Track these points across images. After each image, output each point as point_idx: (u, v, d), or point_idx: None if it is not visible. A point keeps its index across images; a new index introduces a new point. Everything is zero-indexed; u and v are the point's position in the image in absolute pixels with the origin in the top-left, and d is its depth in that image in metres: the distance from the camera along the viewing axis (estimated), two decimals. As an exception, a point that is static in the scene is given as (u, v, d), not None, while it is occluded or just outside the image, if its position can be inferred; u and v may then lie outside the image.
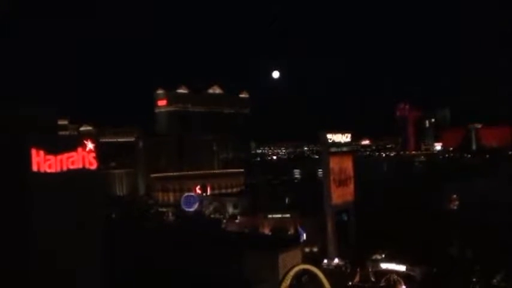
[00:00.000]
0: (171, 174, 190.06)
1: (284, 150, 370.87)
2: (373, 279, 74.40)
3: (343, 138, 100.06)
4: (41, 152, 40.66)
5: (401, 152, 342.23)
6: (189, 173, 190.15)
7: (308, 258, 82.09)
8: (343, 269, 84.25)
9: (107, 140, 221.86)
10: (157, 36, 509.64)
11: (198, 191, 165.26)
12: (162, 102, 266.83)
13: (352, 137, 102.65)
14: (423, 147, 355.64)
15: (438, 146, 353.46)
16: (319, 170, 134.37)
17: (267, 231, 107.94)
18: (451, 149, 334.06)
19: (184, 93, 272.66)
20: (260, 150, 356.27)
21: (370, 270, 76.94)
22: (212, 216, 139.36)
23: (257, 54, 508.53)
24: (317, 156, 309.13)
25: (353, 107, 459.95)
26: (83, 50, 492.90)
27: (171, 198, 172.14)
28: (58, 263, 40.29)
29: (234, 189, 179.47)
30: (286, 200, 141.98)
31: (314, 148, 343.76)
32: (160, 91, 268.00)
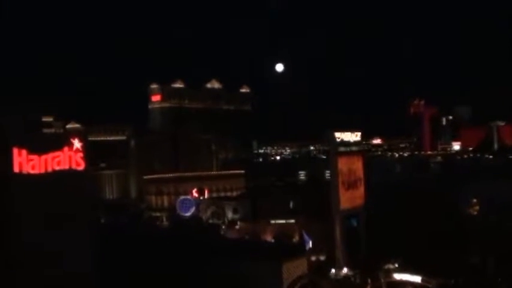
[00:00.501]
0: (166, 175, 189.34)
1: (288, 150, 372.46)
2: (385, 291, 74.84)
3: (353, 137, 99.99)
4: (24, 152, 40.34)
5: (416, 152, 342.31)
6: (185, 174, 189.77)
7: (314, 268, 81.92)
8: (353, 279, 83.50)
9: (95, 138, 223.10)
10: (151, 27, 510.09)
11: (195, 194, 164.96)
12: (156, 98, 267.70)
13: (362, 136, 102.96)
14: (440, 146, 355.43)
15: (456, 146, 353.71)
16: (327, 171, 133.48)
17: (269, 238, 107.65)
18: (471, 148, 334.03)
19: (180, 88, 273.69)
20: (262, 150, 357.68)
21: (382, 281, 76.56)
22: (210, 221, 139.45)
23: (260, 46, 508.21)
24: (324, 157, 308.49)
25: (363, 104, 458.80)
26: (69, 41, 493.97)
27: (166, 202, 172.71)
28: (44, 272, 40.48)
29: (234, 193, 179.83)
30: (291, 204, 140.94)
31: (321, 148, 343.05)
32: (154, 85, 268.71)
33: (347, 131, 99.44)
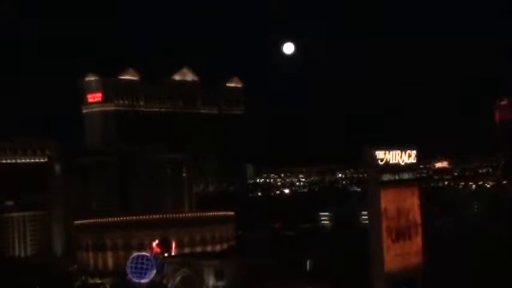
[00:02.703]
0: (110, 219, 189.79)
1: (303, 179, 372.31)
2: None
3: (404, 158, 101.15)
4: None
5: (505, 182, 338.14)
6: (141, 218, 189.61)
7: None
8: None
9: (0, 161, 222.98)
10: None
11: (156, 249, 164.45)
12: (94, 97, 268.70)
13: (419, 157, 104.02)
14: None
15: None
16: (363, 212, 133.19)
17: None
18: None
19: (132, 82, 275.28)
20: (262, 179, 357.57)
21: None
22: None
23: (257, 18, 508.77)
24: (359, 189, 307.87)
25: (419, 108, 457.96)
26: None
27: (110, 262, 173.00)
28: None
29: (218, 247, 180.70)
30: (308, 265, 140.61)
31: (354, 175, 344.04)
32: (91, 78, 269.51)
33: (395, 148, 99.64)
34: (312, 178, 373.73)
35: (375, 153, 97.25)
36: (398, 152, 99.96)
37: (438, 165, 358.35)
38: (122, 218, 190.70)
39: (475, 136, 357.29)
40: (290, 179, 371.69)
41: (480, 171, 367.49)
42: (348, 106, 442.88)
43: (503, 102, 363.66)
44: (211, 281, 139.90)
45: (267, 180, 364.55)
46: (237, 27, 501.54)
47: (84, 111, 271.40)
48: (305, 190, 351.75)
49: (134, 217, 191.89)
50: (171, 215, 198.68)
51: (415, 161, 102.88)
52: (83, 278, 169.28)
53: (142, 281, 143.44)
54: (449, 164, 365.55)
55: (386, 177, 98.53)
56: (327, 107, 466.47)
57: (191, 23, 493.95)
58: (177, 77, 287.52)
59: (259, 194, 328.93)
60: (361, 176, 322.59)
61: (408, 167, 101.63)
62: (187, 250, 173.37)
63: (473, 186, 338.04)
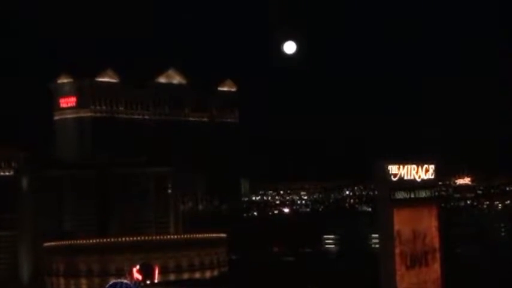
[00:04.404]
0: (84, 241, 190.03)
1: (305, 197, 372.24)
2: None
3: (421, 173, 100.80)
4: None
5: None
6: (120, 239, 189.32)
7: None
8: None
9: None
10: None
11: (137, 276, 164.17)
12: (67, 102, 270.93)
13: (438, 172, 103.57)
14: None
15: None
16: (373, 235, 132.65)
17: None
18: None
19: (111, 84, 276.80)
20: (259, 197, 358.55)
21: None
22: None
23: (254, 15, 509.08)
24: (368, 209, 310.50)
25: (440, 112, 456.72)
26: None
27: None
28: None
29: (208, 273, 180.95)
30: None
31: (363, 192, 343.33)
32: (64, 80, 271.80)
33: (410, 162, 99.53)
34: (316, 196, 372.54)
35: (387, 167, 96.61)
36: (414, 166, 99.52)
37: (459, 181, 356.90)
38: (98, 240, 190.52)
39: (502, 149, 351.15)
40: (290, 196, 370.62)
41: (508, 188, 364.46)
42: (358, 110, 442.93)
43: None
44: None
45: (264, 197, 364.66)
46: (231, 23, 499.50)
47: (56, 117, 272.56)
48: (307, 209, 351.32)
49: (112, 239, 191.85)
50: (154, 237, 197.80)
51: (433, 177, 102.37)
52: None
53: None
54: (472, 180, 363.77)
55: (400, 195, 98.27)
56: (333, 113, 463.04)
57: (179, 19, 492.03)
58: (162, 80, 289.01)
59: (255, 213, 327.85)
60: (371, 193, 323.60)
61: (425, 184, 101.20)
62: (172, 277, 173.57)
63: (500, 205, 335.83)
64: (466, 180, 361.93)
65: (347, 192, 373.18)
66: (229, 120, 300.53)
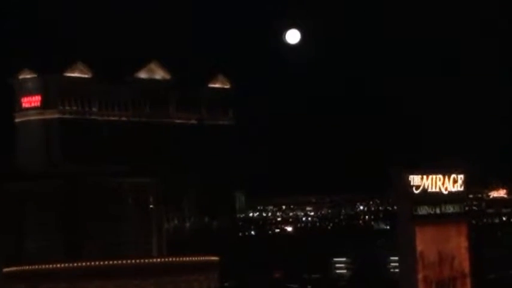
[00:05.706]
0: (50, 266, 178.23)
1: (312, 213, 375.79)
2: None
3: (448, 184, 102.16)
4: None
5: None
6: (93, 264, 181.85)
7: None
8: None
9: None
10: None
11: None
12: (31, 101, 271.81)
13: (467, 183, 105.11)
14: None
15: None
16: (392, 258, 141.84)
17: None
18: None
19: (82, 81, 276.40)
20: (257, 213, 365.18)
21: None
22: None
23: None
24: (386, 227, 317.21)
25: (468, 118, 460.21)
26: None
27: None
28: None
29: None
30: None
31: (380, 207, 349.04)
32: (27, 76, 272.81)
33: (436, 171, 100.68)
34: (324, 211, 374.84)
35: (408, 177, 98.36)
36: (440, 176, 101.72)
37: (493, 194, 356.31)
38: (66, 265, 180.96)
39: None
40: (294, 212, 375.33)
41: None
42: (373, 109, 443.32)
43: None
44: None
45: (263, 213, 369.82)
46: (223, 10, 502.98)
47: (18, 120, 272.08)
48: (314, 227, 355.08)
49: (83, 263, 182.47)
50: (133, 261, 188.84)
51: (462, 189, 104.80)
52: None
53: None
54: (508, 193, 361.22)
55: (423, 210, 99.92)
56: (344, 113, 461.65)
57: (163, 5, 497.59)
58: (142, 75, 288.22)
59: (253, 232, 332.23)
60: (389, 208, 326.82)
61: (453, 197, 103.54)
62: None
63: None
64: (502, 193, 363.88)
65: (361, 208, 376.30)
66: (221, 122, 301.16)
